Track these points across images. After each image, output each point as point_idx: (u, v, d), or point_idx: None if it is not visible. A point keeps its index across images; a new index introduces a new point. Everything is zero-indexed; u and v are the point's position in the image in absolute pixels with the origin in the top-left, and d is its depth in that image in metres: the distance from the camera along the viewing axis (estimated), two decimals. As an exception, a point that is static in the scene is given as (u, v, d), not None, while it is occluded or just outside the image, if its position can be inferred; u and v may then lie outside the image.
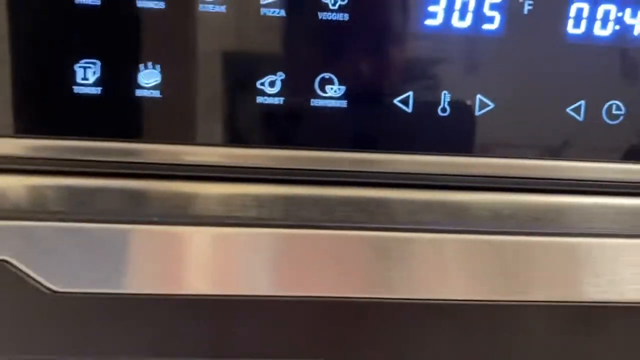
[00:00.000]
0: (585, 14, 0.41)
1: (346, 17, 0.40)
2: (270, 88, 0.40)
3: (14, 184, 0.40)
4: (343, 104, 0.40)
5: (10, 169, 0.40)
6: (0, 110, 0.39)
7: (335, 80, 0.40)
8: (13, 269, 0.30)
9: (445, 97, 0.41)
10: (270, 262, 0.35)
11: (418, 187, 0.42)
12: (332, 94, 0.40)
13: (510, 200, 0.42)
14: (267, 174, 0.41)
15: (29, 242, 0.30)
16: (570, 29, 0.41)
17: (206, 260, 0.35)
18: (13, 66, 0.39)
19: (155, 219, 0.31)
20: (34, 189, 0.40)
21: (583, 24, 0.41)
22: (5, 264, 0.30)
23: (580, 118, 0.42)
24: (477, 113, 0.41)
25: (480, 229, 0.35)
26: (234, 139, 0.41)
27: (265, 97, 0.40)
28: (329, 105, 0.40)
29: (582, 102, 0.42)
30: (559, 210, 0.42)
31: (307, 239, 0.33)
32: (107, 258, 0.32)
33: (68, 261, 0.31)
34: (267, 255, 0.34)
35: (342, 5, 0.39)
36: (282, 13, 0.39)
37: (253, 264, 0.35)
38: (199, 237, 0.32)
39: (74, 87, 0.39)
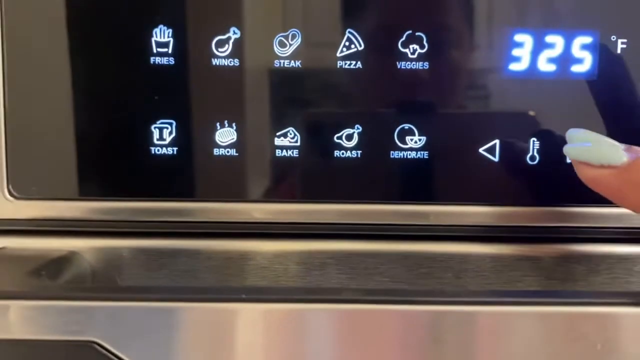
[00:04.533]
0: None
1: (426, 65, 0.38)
2: (348, 142, 0.39)
3: (97, 246, 0.40)
4: (424, 154, 0.39)
5: (92, 232, 0.40)
6: (75, 174, 0.39)
7: (416, 130, 0.39)
8: (103, 351, 0.29)
9: (534, 144, 0.39)
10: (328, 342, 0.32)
11: (505, 240, 0.39)
12: (412, 145, 0.39)
13: (603, 251, 0.39)
14: (344, 230, 0.39)
15: (118, 322, 0.30)
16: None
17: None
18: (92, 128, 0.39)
19: (244, 296, 0.30)
20: (114, 251, 0.40)
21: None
22: (94, 345, 0.29)
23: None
24: (568, 161, 0.39)
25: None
26: (310, 195, 0.39)
27: (343, 151, 0.39)
28: (410, 156, 0.39)
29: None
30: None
31: (371, 315, 0.30)
32: (201, 338, 0.30)
33: (158, 342, 0.30)
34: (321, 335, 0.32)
35: (422, 53, 0.38)
36: (359, 65, 0.38)
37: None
38: (295, 316, 0.31)
39: (150, 147, 0.39)
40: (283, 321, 0.30)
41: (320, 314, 0.31)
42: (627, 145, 0.34)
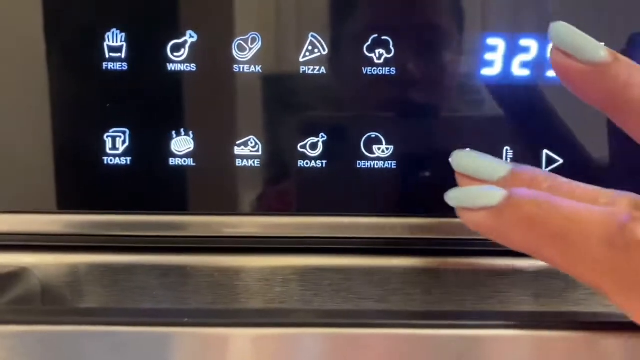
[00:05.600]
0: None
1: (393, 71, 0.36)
2: (312, 151, 0.37)
3: (49, 262, 0.38)
4: (392, 164, 0.37)
5: (44, 246, 0.38)
6: (27, 185, 0.37)
7: (383, 139, 0.37)
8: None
9: (507, 153, 0.37)
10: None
11: (478, 254, 0.37)
12: (379, 154, 0.37)
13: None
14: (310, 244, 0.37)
15: (52, 349, 0.28)
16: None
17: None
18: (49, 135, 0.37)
19: (186, 320, 0.28)
20: (69, 267, 0.38)
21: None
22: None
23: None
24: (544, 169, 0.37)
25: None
26: (271, 207, 0.37)
27: (307, 161, 0.37)
28: (377, 166, 0.37)
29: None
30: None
31: (363, 340, 0.28)
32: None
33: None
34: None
35: (388, 58, 0.36)
36: (323, 70, 0.36)
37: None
38: (241, 341, 0.29)
39: (103, 157, 0.37)
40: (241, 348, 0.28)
41: (282, 339, 0.29)
42: (514, 165, 0.31)
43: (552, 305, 0.36)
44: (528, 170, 0.31)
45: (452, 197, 0.31)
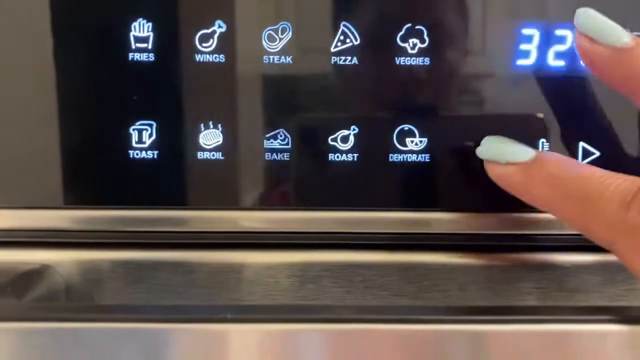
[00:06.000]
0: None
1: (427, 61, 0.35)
2: (343, 144, 0.36)
3: (72, 259, 0.37)
4: (425, 158, 0.36)
5: (67, 243, 0.37)
6: (48, 180, 0.36)
7: (416, 132, 0.36)
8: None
9: (543, 145, 0.36)
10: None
11: (515, 249, 0.36)
12: (412, 147, 0.36)
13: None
14: (343, 239, 0.36)
15: (86, 346, 0.27)
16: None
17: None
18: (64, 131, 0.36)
19: (229, 315, 0.27)
20: (92, 264, 0.37)
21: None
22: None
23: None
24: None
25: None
26: (302, 201, 0.36)
27: (338, 154, 0.36)
28: (410, 160, 0.36)
29: None
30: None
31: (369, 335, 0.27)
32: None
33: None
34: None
35: (422, 48, 0.35)
36: (355, 61, 0.35)
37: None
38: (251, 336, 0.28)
39: (130, 151, 0.36)
40: (271, 343, 0.27)
41: (312, 335, 0.28)
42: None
43: (590, 300, 0.36)
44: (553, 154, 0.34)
45: (481, 151, 0.34)
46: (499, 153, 0.33)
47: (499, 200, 0.36)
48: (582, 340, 0.29)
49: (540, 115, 0.36)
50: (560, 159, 0.32)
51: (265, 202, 0.36)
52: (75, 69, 0.35)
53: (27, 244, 0.37)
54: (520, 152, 0.33)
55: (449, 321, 0.29)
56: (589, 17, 0.32)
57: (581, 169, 0.31)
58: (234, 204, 0.36)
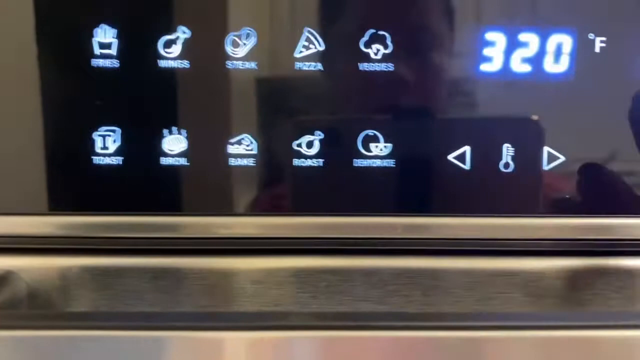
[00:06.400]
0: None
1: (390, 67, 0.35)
2: (308, 149, 0.36)
3: (38, 265, 0.37)
4: (390, 163, 0.36)
5: (33, 249, 0.37)
6: (11, 186, 0.36)
7: (381, 137, 0.36)
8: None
9: (508, 150, 0.36)
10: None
11: (478, 254, 0.36)
12: (377, 152, 0.36)
13: (585, 265, 0.36)
14: (307, 245, 0.36)
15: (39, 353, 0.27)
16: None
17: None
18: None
19: (178, 324, 0.26)
20: (58, 270, 0.37)
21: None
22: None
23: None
24: (545, 167, 0.36)
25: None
26: (266, 207, 0.36)
27: (303, 159, 0.36)
28: (374, 165, 0.36)
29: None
30: None
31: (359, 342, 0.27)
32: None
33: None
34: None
35: (386, 54, 0.35)
36: (319, 67, 0.35)
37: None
38: (236, 344, 0.28)
39: (93, 157, 0.35)
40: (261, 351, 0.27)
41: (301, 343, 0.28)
42: None
43: (554, 306, 0.36)
44: None
45: None
46: None
47: (462, 204, 0.36)
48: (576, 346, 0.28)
49: (505, 119, 0.36)
50: None
51: (229, 208, 0.36)
52: (41, 74, 0.35)
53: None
54: None
55: (438, 327, 0.29)
56: None
57: None
58: (199, 210, 0.36)
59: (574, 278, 0.36)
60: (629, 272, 0.36)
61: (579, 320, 0.30)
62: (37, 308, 0.36)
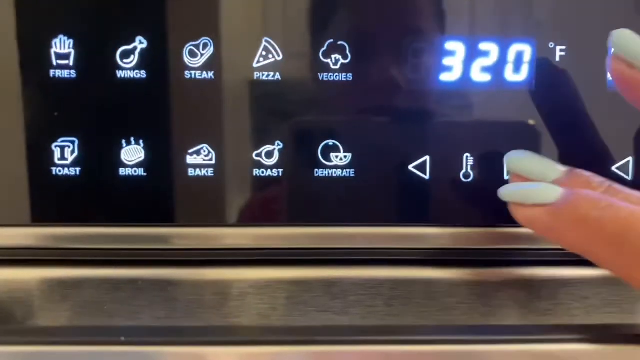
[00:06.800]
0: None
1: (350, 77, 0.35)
2: (268, 159, 0.36)
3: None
4: (350, 173, 0.36)
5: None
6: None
7: (341, 147, 0.36)
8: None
9: (467, 159, 0.36)
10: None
11: (439, 263, 0.36)
12: (337, 162, 0.36)
13: (545, 275, 0.36)
14: (263, 255, 0.36)
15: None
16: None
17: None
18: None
19: (122, 338, 0.26)
20: (14, 282, 0.36)
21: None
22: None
23: (629, 177, 0.36)
24: (506, 177, 0.36)
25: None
26: (223, 218, 0.36)
27: (262, 170, 0.36)
28: (335, 175, 0.36)
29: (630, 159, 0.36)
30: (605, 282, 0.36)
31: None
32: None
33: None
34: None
35: (345, 64, 0.35)
36: (278, 76, 0.35)
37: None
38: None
39: (52, 168, 0.35)
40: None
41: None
42: (568, 169, 0.31)
43: (515, 317, 0.35)
44: (583, 173, 0.31)
45: (505, 193, 0.32)
46: (522, 194, 0.30)
47: (423, 214, 0.36)
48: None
49: (465, 128, 0.36)
50: (594, 197, 0.28)
51: (187, 219, 0.36)
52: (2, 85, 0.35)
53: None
54: (547, 192, 0.29)
55: (425, 342, 0.30)
56: (627, 39, 0.29)
57: (619, 207, 0.28)
58: (160, 221, 0.36)
59: (535, 288, 0.36)
60: (589, 282, 0.36)
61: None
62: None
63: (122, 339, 0.27)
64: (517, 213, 0.31)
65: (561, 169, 0.31)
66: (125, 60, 0.35)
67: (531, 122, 0.36)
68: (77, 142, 0.35)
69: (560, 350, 0.31)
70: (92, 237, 0.36)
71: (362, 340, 0.32)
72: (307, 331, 0.33)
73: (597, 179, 0.31)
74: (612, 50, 0.29)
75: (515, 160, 0.32)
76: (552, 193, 0.29)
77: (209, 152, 0.35)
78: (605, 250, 0.28)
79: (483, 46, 0.35)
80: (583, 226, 0.28)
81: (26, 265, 0.37)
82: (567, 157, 0.36)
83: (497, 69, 0.36)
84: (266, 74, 0.35)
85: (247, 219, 0.36)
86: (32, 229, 0.36)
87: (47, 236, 0.36)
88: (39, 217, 0.36)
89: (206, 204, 0.36)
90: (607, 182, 0.30)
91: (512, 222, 0.33)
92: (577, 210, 0.28)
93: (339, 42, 0.35)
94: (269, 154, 0.36)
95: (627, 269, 0.27)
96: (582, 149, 0.36)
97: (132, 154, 0.35)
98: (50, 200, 0.36)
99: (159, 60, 0.35)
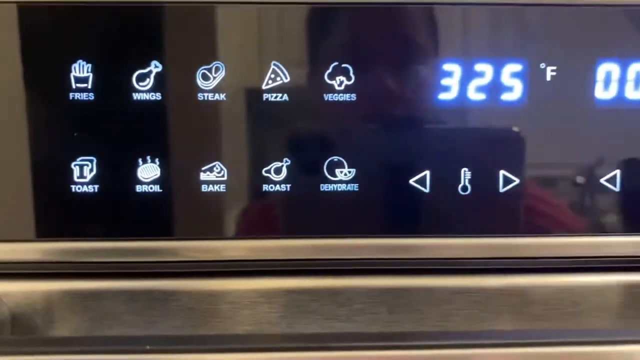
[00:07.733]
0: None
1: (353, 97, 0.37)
2: (276, 175, 0.38)
3: (21, 290, 0.38)
4: (354, 187, 0.38)
5: (17, 274, 0.38)
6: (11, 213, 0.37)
7: (345, 163, 0.38)
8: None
9: (465, 174, 0.38)
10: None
11: (440, 272, 0.38)
12: (342, 177, 0.38)
13: (540, 283, 0.38)
14: (273, 266, 0.38)
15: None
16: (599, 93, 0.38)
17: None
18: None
19: (148, 347, 0.28)
20: (41, 294, 0.38)
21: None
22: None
23: (617, 188, 0.38)
24: (501, 190, 0.38)
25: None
26: (235, 231, 0.38)
27: (272, 185, 0.38)
28: (340, 189, 0.38)
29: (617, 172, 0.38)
30: (599, 289, 0.39)
31: None
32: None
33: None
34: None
35: (349, 85, 0.37)
36: (286, 97, 0.37)
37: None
38: None
39: (71, 185, 0.37)
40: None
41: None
42: None
43: (516, 323, 0.38)
44: None
45: None
46: None
47: (424, 226, 0.38)
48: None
49: (463, 145, 0.38)
50: None
51: (203, 233, 0.38)
52: (23, 107, 0.37)
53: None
54: None
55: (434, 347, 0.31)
56: None
57: None
58: (174, 235, 0.38)
59: (530, 294, 0.38)
60: (580, 289, 0.38)
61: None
62: (20, 333, 0.37)
63: (148, 347, 0.29)
64: None
65: None
66: (141, 83, 0.37)
67: (523, 136, 0.38)
68: (95, 160, 0.37)
69: (553, 353, 0.33)
70: (110, 250, 0.38)
71: (367, 346, 0.33)
72: (315, 338, 0.35)
73: None
74: None
75: None
76: None
77: (221, 169, 0.37)
78: None
79: (478, 67, 0.38)
80: None
81: (46, 279, 0.39)
82: (556, 169, 0.38)
83: (491, 88, 0.38)
84: (274, 95, 0.37)
85: (257, 231, 0.38)
86: (54, 244, 0.38)
87: (67, 250, 0.38)
88: (58, 232, 0.38)
89: (219, 218, 0.38)
90: None
91: (508, 232, 0.36)
92: None
93: (343, 65, 0.37)
94: (277, 170, 0.38)
95: None
96: (571, 162, 0.38)
97: (148, 171, 0.37)
98: (71, 216, 0.38)
99: (173, 83, 0.37)
